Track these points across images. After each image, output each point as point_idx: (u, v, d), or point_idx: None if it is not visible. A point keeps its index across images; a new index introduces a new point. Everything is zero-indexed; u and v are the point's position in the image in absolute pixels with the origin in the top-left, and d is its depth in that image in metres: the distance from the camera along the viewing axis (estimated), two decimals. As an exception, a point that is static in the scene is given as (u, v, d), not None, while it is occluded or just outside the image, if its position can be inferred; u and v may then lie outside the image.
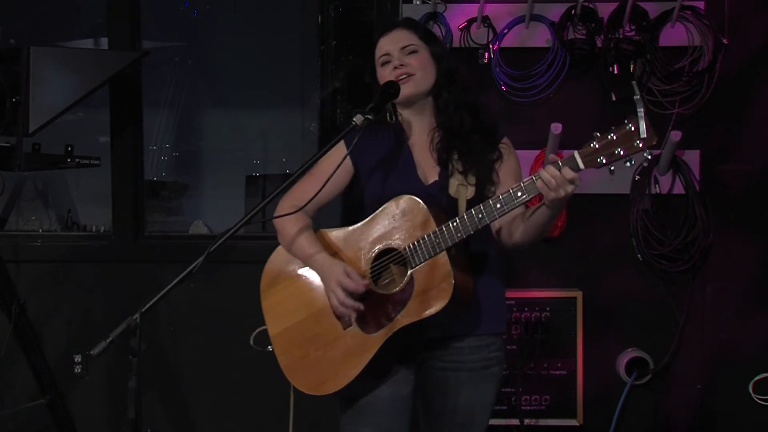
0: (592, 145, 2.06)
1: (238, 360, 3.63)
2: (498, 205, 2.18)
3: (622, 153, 2.02)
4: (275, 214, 2.47)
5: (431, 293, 2.26)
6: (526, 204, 2.27)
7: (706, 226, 3.53)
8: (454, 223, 2.23)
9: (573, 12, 3.49)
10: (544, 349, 3.49)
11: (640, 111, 2.01)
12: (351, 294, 2.29)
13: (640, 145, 2.00)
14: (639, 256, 3.58)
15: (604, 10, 3.50)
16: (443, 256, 2.25)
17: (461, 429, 2.44)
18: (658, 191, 3.55)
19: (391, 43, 2.44)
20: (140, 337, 1.97)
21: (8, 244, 3.72)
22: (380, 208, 2.35)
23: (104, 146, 3.87)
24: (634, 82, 2.10)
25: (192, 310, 3.71)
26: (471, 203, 2.32)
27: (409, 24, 2.55)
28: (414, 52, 2.43)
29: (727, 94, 3.55)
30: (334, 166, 2.35)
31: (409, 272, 2.29)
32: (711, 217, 3.53)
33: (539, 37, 3.54)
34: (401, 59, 2.41)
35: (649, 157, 2.03)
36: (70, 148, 3.41)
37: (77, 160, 3.42)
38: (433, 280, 2.26)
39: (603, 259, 3.63)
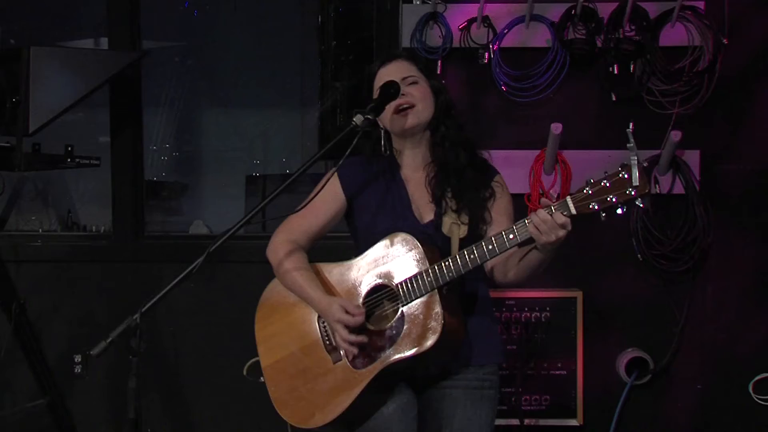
0: (584, 191, 2.08)
1: (238, 360, 3.62)
2: (490, 247, 2.20)
3: (614, 200, 2.05)
4: (270, 248, 2.47)
5: (421, 332, 2.26)
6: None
7: (706, 226, 3.53)
8: (447, 263, 2.25)
9: (573, 12, 3.49)
10: (544, 349, 3.49)
11: (634, 159, 2.02)
12: (352, 329, 2.30)
13: (632, 193, 2.02)
14: (639, 256, 3.58)
15: (604, 10, 3.50)
16: (434, 295, 2.26)
17: None
18: (658, 191, 3.55)
19: (392, 74, 2.43)
20: (140, 337, 1.97)
21: (8, 244, 3.71)
22: (376, 244, 2.36)
23: (104, 146, 3.87)
24: (629, 131, 2.11)
25: (192, 310, 3.71)
26: (464, 242, 2.34)
27: (410, 56, 2.55)
28: (415, 83, 2.43)
29: (727, 94, 3.55)
30: (326, 195, 2.38)
31: (400, 309, 2.30)
32: (711, 217, 3.53)
33: (539, 37, 3.54)
34: (403, 89, 2.40)
35: (641, 205, 2.05)
36: (70, 148, 3.41)
37: (77, 160, 3.43)
38: (424, 319, 2.27)
39: (603, 259, 3.63)
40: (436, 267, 2.25)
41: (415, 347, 2.26)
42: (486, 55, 3.55)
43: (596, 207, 2.07)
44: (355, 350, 2.32)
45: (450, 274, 2.24)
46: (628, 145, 2.05)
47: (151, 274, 3.65)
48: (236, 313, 3.64)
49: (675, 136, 3.40)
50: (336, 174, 2.43)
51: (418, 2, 3.58)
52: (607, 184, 2.05)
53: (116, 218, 3.81)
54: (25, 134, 3.16)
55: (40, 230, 4.23)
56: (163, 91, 5.30)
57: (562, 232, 2.10)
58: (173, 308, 3.64)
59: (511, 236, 2.17)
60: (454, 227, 2.36)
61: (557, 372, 3.50)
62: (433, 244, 2.34)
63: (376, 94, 2.44)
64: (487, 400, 2.44)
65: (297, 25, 5.37)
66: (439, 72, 3.52)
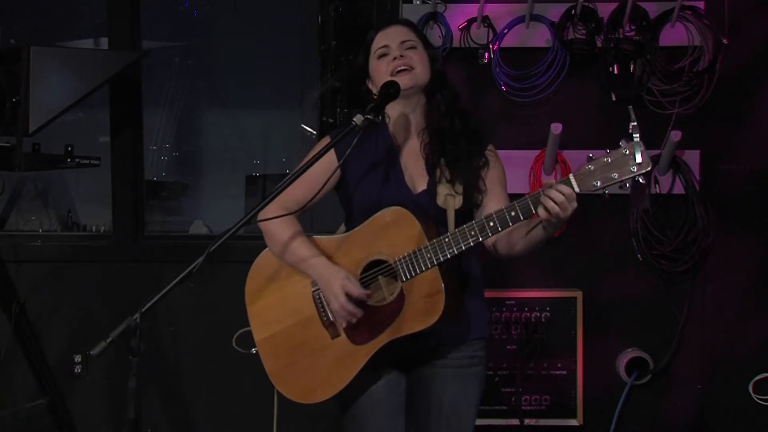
0: (587, 167, 2.08)
1: (239, 359, 3.63)
2: (491, 224, 2.19)
3: (616, 177, 2.06)
4: (261, 217, 2.43)
5: (422, 308, 2.25)
6: None
7: (706, 226, 3.53)
8: (447, 239, 2.23)
9: (573, 12, 3.49)
10: (544, 349, 3.49)
11: (636, 136, 2.04)
12: (352, 300, 2.29)
13: (635, 169, 2.04)
14: (639, 256, 3.58)
15: (604, 10, 3.50)
16: (434, 271, 2.25)
17: (447, 428, 2.44)
18: (658, 191, 3.55)
19: (390, 37, 2.44)
20: (140, 337, 1.97)
21: (8, 244, 3.71)
22: (370, 218, 2.34)
23: (104, 146, 3.87)
24: (631, 107, 2.12)
25: (192, 310, 3.71)
26: (459, 213, 2.34)
27: (408, 22, 2.57)
28: (413, 47, 2.43)
29: (727, 94, 3.55)
30: (323, 169, 2.34)
31: (399, 285, 2.28)
32: (711, 217, 3.53)
33: (539, 37, 3.54)
34: (401, 51, 2.40)
35: (643, 181, 2.05)
36: (70, 148, 3.41)
37: (77, 160, 3.43)
38: (424, 296, 2.25)
39: (603, 259, 3.63)
40: (435, 242, 2.24)
41: (417, 324, 2.25)
42: (486, 55, 3.55)
43: (599, 183, 2.07)
44: (352, 320, 2.30)
45: (450, 251, 2.22)
46: (631, 123, 2.05)
47: (151, 274, 3.65)
48: (236, 313, 3.64)
49: (675, 136, 3.40)
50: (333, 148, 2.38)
51: (418, 2, 3.58)
52: (609, 160, 2.06)
53: (116, 218, 3.81)
54: (25, 134, 3.16)
55: (40, 230, 4.23)
56: (163, 91, 5.30)
57: (570, 210, 2.09)
58: (173, 308, 3.64)
59: (512, 213, 2.17)
60: (449, 199, 2.35)
61: (557, 372, 3.50)
62: (428, 216, 2.33)
63: (374, 57, 2.44)
64: (476, 376, 2.46)
65: (297, 25, 5.37)
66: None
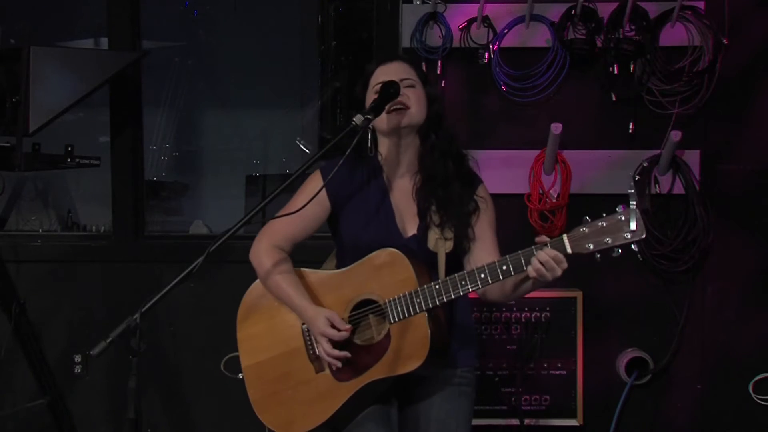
0: (581, 229, 2.11)
1: (238, 360, 3.62)
2: (482, 275, 2.22)
3: (609, 242, 2.08)
4: (253, 253, 2.46)
5: (407, 352, 2.27)
6: None
7: (706, 226, 3.53)
8: (437, 286, 2.25)
9: (573, 12, 3.49)
10: (544, 349, 3.49)
11: (633, 203, 2.06)
12: (336, 342, 2.31)
13: (629, 236, 2.06)
14: (639, 256, 3.58)
15: (604, 10, 3.50)
16: (422, 317, 2.26)
17: None
18: (658, 191, 3.55)
19: (390, 73, 2.42)
20: (140, 337, 1.97)
21: (8, 244, 3.71)
22: (365, 258, 2.34)
23: (104, 146, 3.87)
24: (632, 187, 2.13)
25: (192, 310, 3.71)
26: (450, 257, 2.35)
27: (410, 60, 2.55)
28: (412, 86, 2.41)
29: (727, 94, 3.55)
30: (312, 200, 2.33)
31: (387, 327, 2.30)
32: (711, 217, 3.53)
33: (539, 37, 3.54)
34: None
35: (636, 248, 2.08)
36: (70, 148, 3.41)
37: (77, 160, 3.43)
38: (410, 339, 2.27)
39: (603, 259, 3.62)
40: (426, 288, 2.26)
41: (401, 367, 2.28)
42: (486, 55, 3.55)
43: (591, 247, 2.10)
44: (338, 363, 2.32)
45: (440, 298, 2.25)
46: (629, 191, 2.07)
47: (151, 274, 3.65)
48: (236, 312, 3.64)
49: (675, 136, 3.40)
50: (321, 179, 2.41)
51: (418, 2, 3.58)
52: (604, 225, 2.08)
53: (116, 218, 3.81)
54: (25, 134, 3.16)
55: (40, 230, 4.23)
56: (163, 91, 5.30)
57: (559, 271, 2.13)
58: (173, 308, 3.64)
59: (504, 267, 2.19)
60: (440, 242, 2.37)
61: (557, 372, 3.50)
62: (421, 261, 2.34)
63: (371, 92, 2.43)
64: (464, 395, 2.47)
65: (297, 25, 5.37)
66: (439, 72, 3.52)
